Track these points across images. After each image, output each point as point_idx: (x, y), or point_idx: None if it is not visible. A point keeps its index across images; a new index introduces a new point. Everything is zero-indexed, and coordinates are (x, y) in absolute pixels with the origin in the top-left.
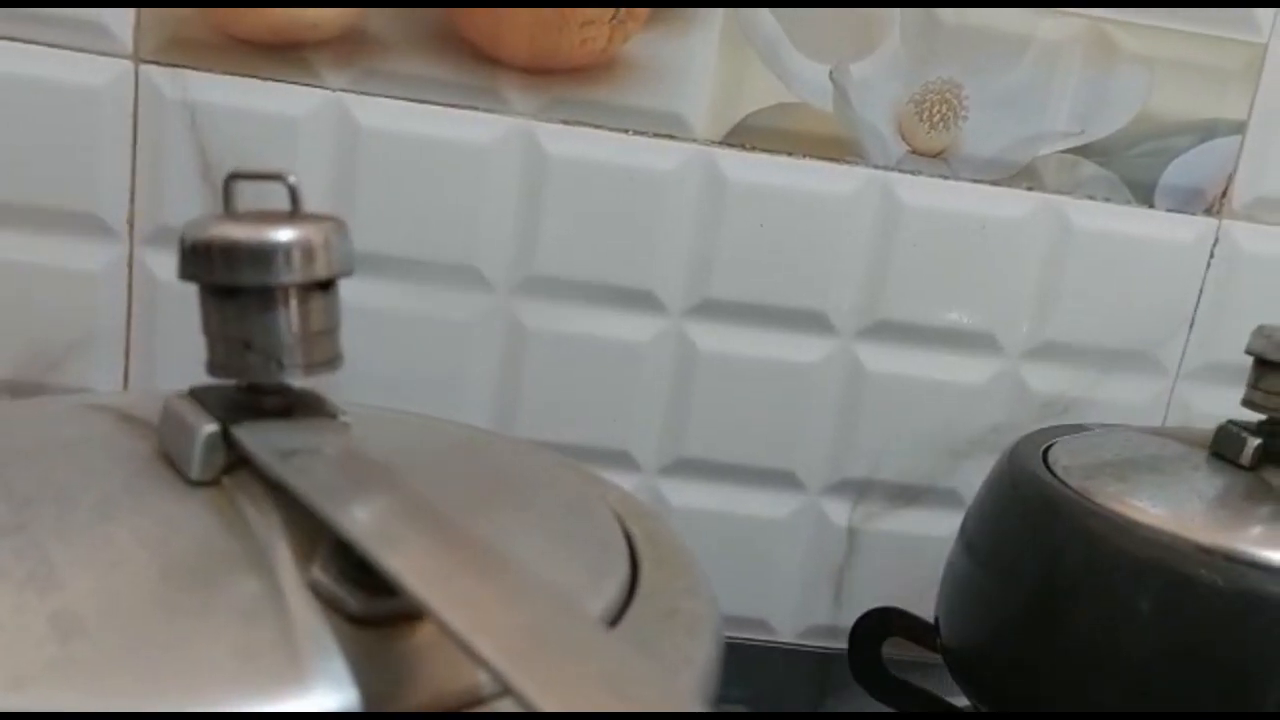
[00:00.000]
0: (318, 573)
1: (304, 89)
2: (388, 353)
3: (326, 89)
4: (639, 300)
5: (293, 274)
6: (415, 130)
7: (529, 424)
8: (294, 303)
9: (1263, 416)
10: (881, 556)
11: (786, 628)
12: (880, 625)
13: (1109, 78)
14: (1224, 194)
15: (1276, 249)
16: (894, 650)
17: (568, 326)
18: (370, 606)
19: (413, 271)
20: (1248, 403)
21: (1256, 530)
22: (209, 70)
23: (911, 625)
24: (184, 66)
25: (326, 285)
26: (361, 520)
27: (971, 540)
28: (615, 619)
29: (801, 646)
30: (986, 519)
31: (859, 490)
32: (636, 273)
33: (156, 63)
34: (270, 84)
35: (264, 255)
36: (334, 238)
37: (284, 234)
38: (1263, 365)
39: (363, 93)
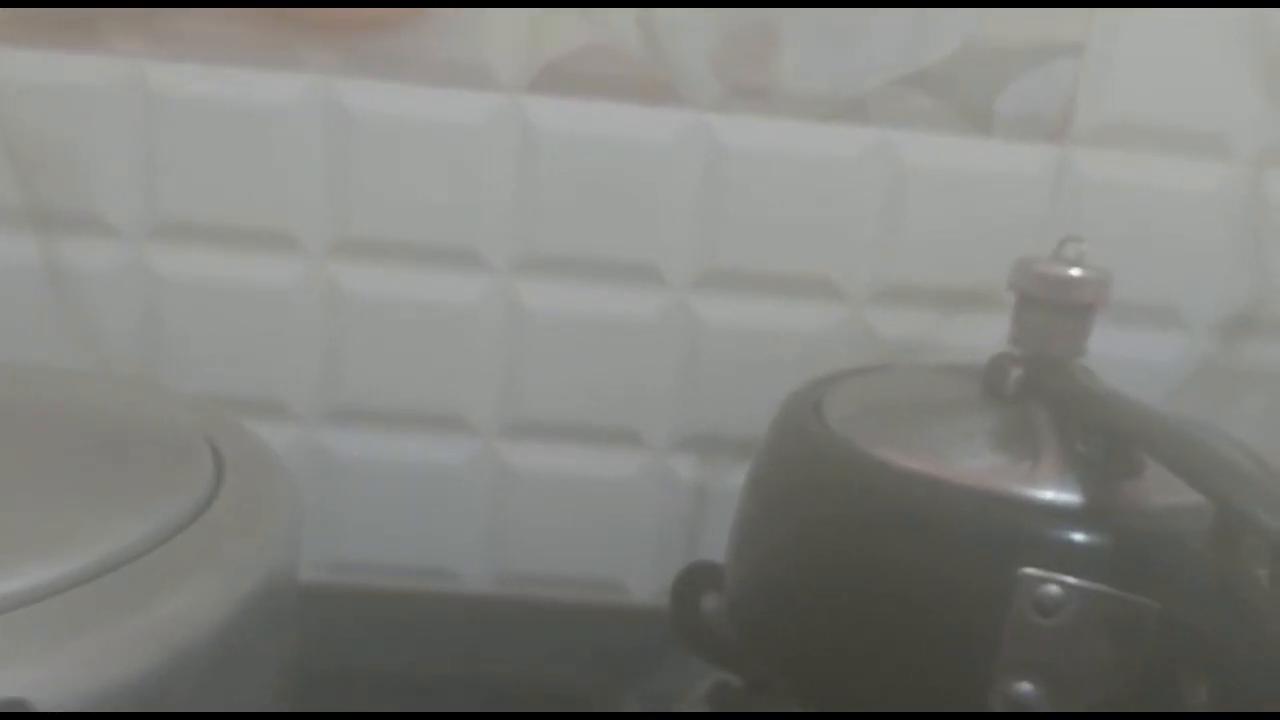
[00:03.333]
0: None
1: (99, 58)
2: (206, 325)
3: (121, 56)
4: (461, 259)
5: None
6: (214, 94)
7: (357, 392)
8: None
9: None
10: (732, 512)
11: (642, 588)
12: (700, 580)
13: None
14: (1066, 119)
15: (1125, 175)
16: None
17: (388, 290)
18: None
19: (223, 239)
20: (1012, 339)
21: (1010, 467)
22: (1, 44)
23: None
24: None
25: None
26: None
27: (752, 487)
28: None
29: (659, 606)
30: (763, 466)
31: (705, 446)
32: (456, 230)
33: None
34: (66, 55)
35: None
36: None
37: None
38: (1023, 301)
39: (158, 58)
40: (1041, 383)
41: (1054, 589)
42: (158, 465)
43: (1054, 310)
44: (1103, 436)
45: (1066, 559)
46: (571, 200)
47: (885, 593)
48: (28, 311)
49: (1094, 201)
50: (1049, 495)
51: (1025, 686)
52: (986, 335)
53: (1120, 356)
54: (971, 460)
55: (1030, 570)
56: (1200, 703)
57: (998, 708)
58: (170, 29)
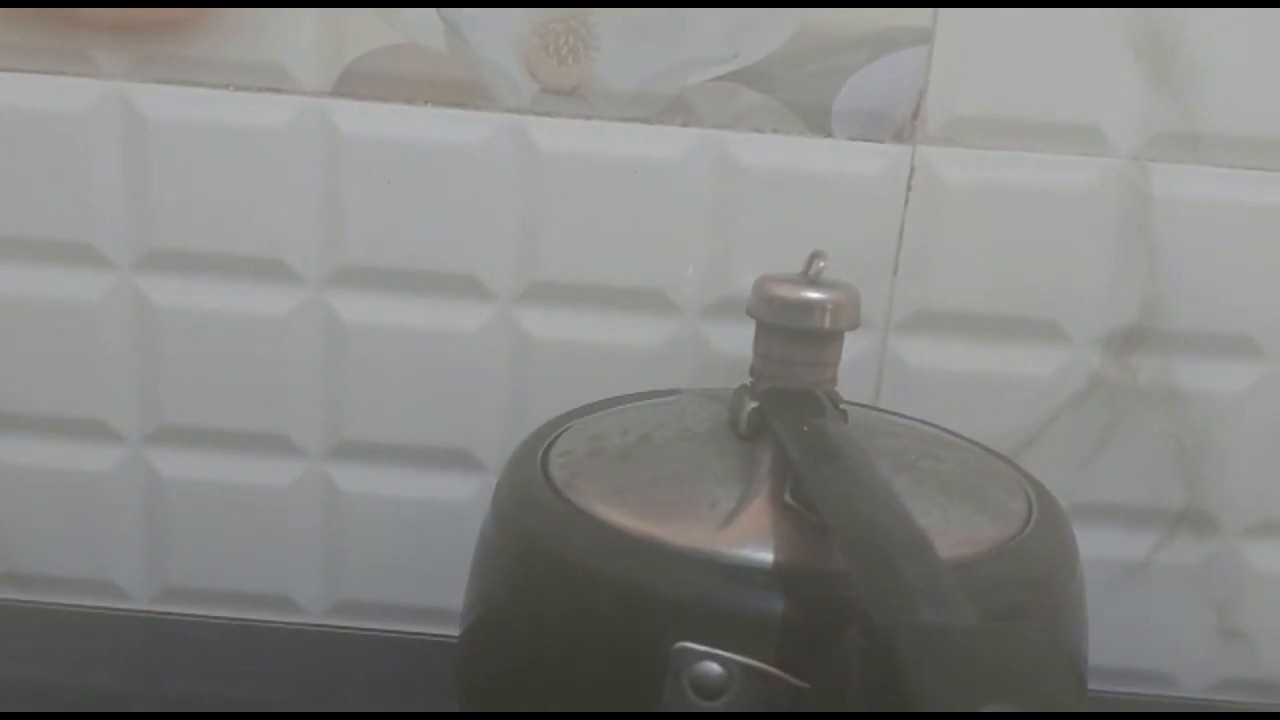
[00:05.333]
0: None
1: None
2: (15, 343)
3: None
4: (269, 270)
5: None
6: (4, 102)
7: (176, 410)
8: None
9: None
10: None
11: None
12: None
13: None
14: (915, 115)
15: (982, 175)
16: None
17: (197, 302)
18: None
19: (24, 253)
20: (752, 370)
21: (704, 518)
22: None
23: None
24: None
25: None
26: None
27: (487, 517)
28: None
29: None
30: (495, 499)
31: None
32: (262, 241)
33: None
34: None
35: None
36: None
37: None
38: (763, 327)
39: None
40: (778, 419)
41: (714, 667)
42: None
43: (792, 337)
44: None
45: (732, 630)
46: (381, 208)
47: (556, 652)
48: None
49: (951, 205)
50: (730, 553)
51: None
52: (843, 353)
53: (998, 374)
54: (666, 509)
55: (687, 644)
56: None
57: None
58: None
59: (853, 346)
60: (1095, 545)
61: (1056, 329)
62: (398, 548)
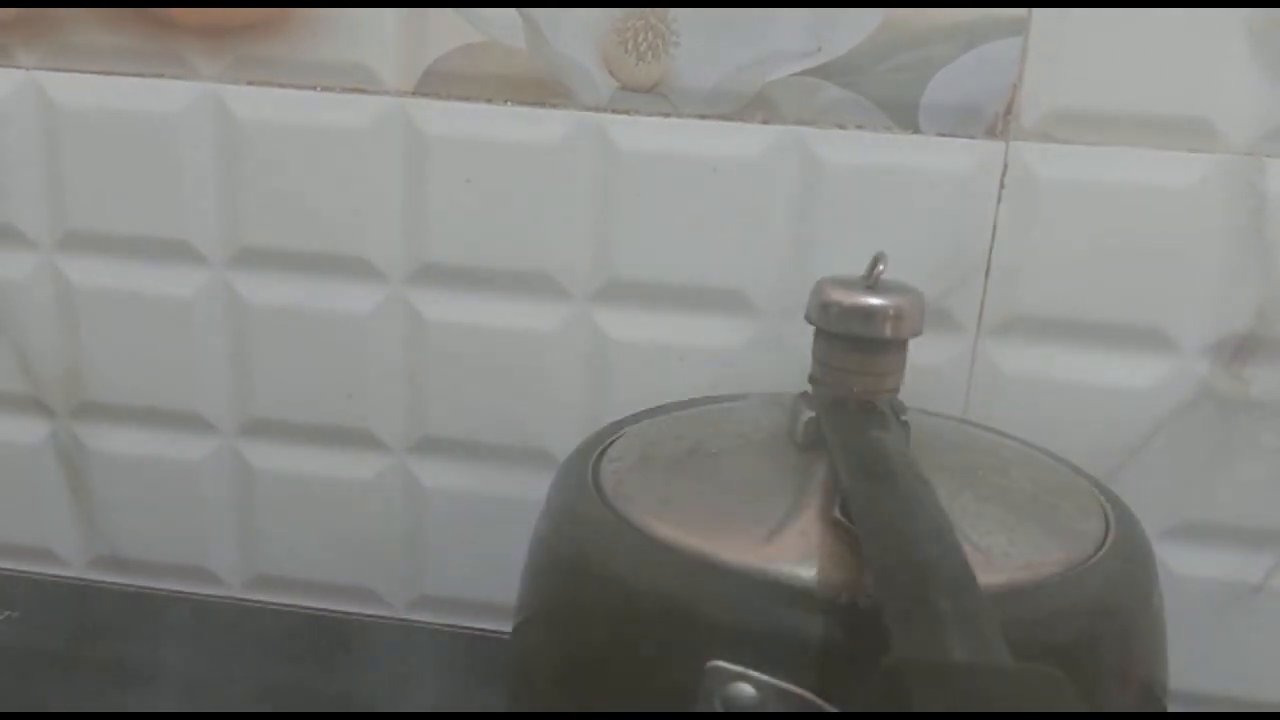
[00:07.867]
0: None
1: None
2: (118, 336)
3: (20, 69)
4: (355, 269)
5: None
6: (109, 104)
7: (265, 403)
8: None
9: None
10: None
11: None
12: None
13: None
14: (1008, 110)
15: (1081, 172)
16: None
17: (283, 299)
18: None
19: (123, 249)
20: (811, 378)
21: (748, 532)
22: None
23: None
24: None
25: None
26: None
27: (540, 516)
28: None
29: None
30: (547, 500)
31: None
32: (346, 239)
33: None
34: None
35: None
36: None
37: None
38: (821, 334)
39: (55, 69)
40: (834, 431)
41: (746, 689)
42: None
43: (851, 345)
44: None
45: (769, 651)
46: (461, 206)
47: (593, 661)
48: None
49: (1048, 204)
50: (771, 569)
51: None
52: (933, 358)
53: (1097, 383)
54: (709, 521)
55: (720, 664)
56: None
57: None
58: (65, 40)
59: (942, 352)
60: (1204, 567)
61: (1161, 336)
62: (478, 544)
